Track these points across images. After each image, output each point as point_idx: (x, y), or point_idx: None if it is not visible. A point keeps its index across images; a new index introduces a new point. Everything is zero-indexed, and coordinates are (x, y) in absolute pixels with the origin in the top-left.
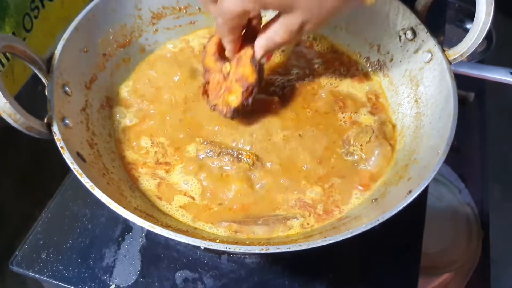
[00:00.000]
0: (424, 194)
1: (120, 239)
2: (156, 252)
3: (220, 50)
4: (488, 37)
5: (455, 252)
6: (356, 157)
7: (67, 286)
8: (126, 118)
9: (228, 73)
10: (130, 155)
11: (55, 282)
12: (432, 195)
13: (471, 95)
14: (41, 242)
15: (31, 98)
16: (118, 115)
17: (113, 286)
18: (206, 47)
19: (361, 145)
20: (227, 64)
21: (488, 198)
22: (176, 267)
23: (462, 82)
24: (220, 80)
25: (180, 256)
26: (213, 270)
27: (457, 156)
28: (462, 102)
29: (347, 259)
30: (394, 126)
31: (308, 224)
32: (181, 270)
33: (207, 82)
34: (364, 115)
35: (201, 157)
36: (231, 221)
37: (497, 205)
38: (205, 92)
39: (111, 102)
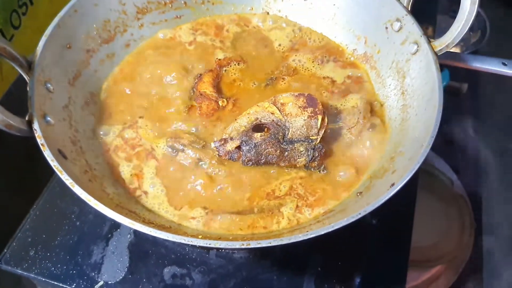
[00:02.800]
0: (413, 186)
1: (108, 235)
2: (144, 249)
3: (216, 81)
4: (482, 27)
5: (447, 245)
6: (347, 140)
7: (55, 283)
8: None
9: (224, 106)
10: (114, 152)
11: (43, 279)
12: (424, 188)
13: (464, 86)
14: (29, 240)
15: (21, 96)
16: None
17: (101, 282)
18: (202, 75)
19: (349, 128)
20: (224, 99)
21: (481, 190)
22: (164, 263)
23: (455, 73)
24: (215, 108)
25: (169, 252)
26: (201, 266)
27: (450, 148)
28: (455, 93)
29: (335, 252)
30: (382, 105)
31: (294, 217)
32: (169, 266)
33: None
34: (351, 98)
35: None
36: (228, 212)
37: (490, 197)
38: (189, 110)
39: (95, 98)
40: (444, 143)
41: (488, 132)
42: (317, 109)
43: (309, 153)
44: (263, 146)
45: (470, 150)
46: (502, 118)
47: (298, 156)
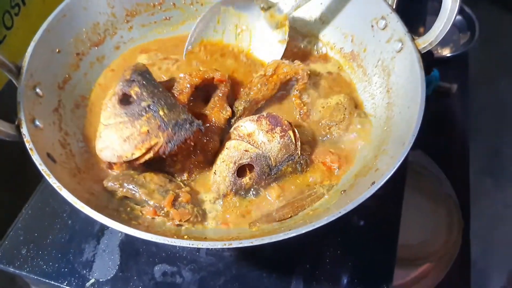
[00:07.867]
0: (401, 185)
1: (99, 234)
2: (135, 247)
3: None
4: (471, 28)
5: (435, 243)
6: (335, 134)
7: (47, 281)
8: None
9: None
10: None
11: (35, 277)
12: (413, 187)
13: (454, 86)
14: (21, 238)
15: (13, 99)
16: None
17: (93, 280)
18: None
19: (337, 124)
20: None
21: (469, 189)
22: (155, 261)
23: (445, 73)
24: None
25: (159, 250)
26: (191, 264)
27: (439, 148)
28: (445, 94)
29: (323, 250)
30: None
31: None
32: (160, 264)
33: None
34: (333, 97)
35: None
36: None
37: (478, 196)
38: None
39: (86, 101)
40: (434, 143)
41: (477, 132)
42: (284, 126)
43: (298, 168)
44: (256, 186)
45: (459, 150)
46: (490, 118)
47: (288, 174)
